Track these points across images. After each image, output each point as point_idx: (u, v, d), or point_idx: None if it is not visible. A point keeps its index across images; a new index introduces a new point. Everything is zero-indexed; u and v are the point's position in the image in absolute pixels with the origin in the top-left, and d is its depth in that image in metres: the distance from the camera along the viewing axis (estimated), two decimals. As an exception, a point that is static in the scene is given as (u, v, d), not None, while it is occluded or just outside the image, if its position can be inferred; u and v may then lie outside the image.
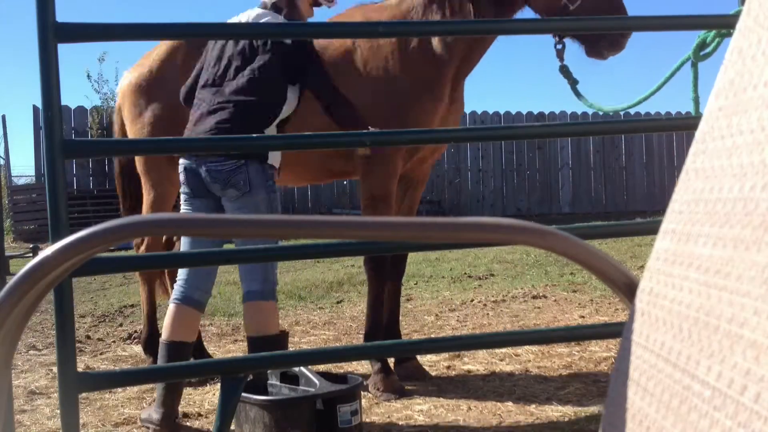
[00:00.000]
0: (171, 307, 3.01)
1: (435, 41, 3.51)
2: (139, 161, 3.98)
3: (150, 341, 3.92)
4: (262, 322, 2.93)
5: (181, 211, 3.18)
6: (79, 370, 1.87)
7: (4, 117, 14.15)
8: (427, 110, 3.45)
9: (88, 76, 15.14)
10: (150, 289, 4.05)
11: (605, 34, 3.15)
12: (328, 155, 3.68)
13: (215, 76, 3.13)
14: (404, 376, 3.62)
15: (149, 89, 3.94)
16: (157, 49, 4.04)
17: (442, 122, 3.58)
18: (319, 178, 4.07)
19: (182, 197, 3.20)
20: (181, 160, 3.15)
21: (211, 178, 3.05)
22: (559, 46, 3.18)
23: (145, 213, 3.91)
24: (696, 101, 2.41)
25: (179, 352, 2.93)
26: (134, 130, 3.95)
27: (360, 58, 3.58)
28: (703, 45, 2.33)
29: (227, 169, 3.01)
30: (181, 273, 3.06)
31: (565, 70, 3.12)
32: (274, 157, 3.15)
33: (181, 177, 3.15)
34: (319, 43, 3.63)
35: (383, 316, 3.67)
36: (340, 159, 3.67)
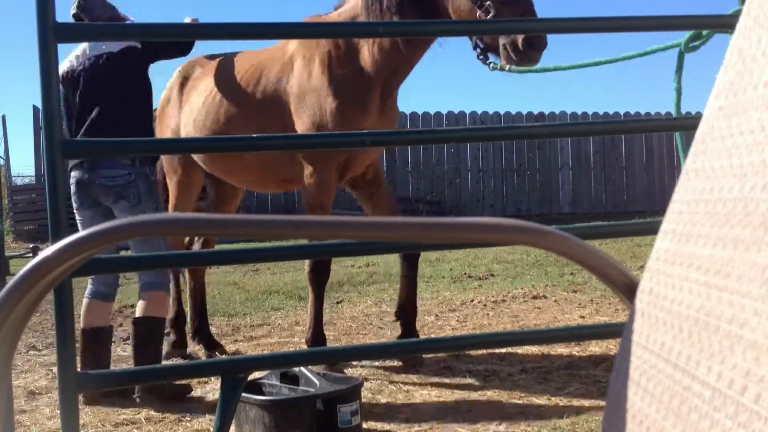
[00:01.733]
0: (84, 301, 3.57)
1: (365, 56, 3.55)
2: (165, 166, 4.48)
3: (199, 331, 4.40)
4: (152, 307, 3.48)
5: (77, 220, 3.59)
6: (79, 370, 1.87)
7: (4, 117, 14.15)
8: (353, 122, 3.47)
9: None
10: (196, 283, 4.46)
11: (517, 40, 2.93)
12: (283, 161, 3.80)
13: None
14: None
15: (162, 113, 4.54)
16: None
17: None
18: (276, 184, 4.23)
19: (74, 207, 3.56)
20: (73, 174, 3.52)
21: (103, 193, 3.45)
22: (482, 57, 3.16)
23: (170, 210, 4.36)
24: (678, 91, 2.37)
25: (96, 337, 3.50)
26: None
27: (296, 69, 3.69)
28: (696, 38, 2.31)
29: (119, 183, 3.33)
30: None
31: (498, 68, 3.08)
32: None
33: (72, 188, 3.53)
34: (267, 54, 3.91)
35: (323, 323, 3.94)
36: (292, 166, 3.78)
